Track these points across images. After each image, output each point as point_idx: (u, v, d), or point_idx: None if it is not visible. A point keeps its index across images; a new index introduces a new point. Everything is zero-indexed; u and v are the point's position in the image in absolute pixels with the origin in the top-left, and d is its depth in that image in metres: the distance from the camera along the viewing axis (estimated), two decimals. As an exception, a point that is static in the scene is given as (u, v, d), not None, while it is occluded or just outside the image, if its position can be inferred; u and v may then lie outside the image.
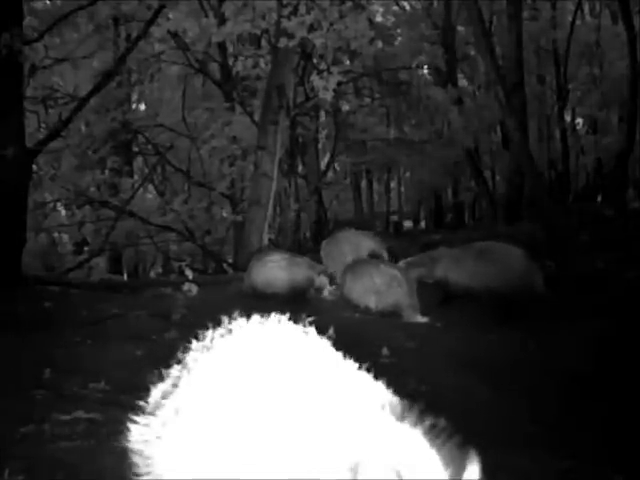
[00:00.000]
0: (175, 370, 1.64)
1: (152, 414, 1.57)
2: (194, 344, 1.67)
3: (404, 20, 22.60)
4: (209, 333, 1.67)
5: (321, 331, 1.72)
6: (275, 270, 7.31)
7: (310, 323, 1.75)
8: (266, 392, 1.41)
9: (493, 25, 19.85)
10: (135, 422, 1.58)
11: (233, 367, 1.52)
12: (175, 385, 1.60)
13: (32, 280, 8.42)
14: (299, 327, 1.69)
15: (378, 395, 1.45)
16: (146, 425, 1.56)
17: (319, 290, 7.42)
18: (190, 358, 1.64)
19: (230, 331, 1.67)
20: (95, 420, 3.68)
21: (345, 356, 1.59)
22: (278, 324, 1.68)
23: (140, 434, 1.56)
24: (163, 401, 1.58)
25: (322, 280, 7.42)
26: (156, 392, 1.63)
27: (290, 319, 1.72)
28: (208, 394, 1.49)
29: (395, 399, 1.44)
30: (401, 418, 1.34)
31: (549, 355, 5.48)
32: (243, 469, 1.30)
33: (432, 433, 1.27)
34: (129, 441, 1.58)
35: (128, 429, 1.58)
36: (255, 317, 1.71)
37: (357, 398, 1.40)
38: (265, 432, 1.33)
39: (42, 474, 3.07)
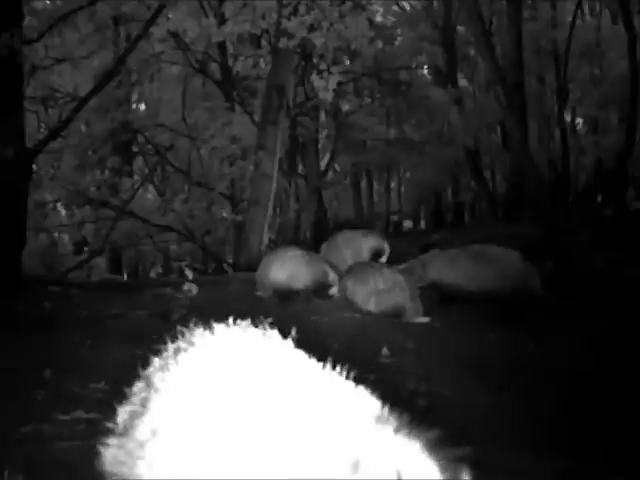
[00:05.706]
0: (138, 388, 1.59)
1: (124, 436, 1.53)
2: (154, 361, 1.61)
3: (404, 20, 22.64)
4: (168, 347, 1.62)
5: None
6: (299, 266, 6.99)
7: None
8: (244, 403, 1.40)
9: (493, 25, 19.86)
10: (107, 445, 1.53)
11: (206, 381, 1.49)
12: (144, 405, 1.55)
13: (32, 280, 8.41)
14: (260, 333, 1.64)
15: (348, 395, 1.45)
16: (120, 447, 1.51)
17: (330, 287, 7.09)
18: (154, 376, 1.58)
19: (192, 343, 1.62)
20: (95, 420, 3.68)
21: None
22: (241, 332, 1.64)
23: (114, 456, 1.51)
24: (135, 422, 1.53)
25: (334, 277, 7.13)
26: (123, 413, 1.58)
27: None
28: (186, 412, 1.45)
29: (377, 402, 1.44)
30: (390, 420, 1.34)
31: (548, 355, 5.49)
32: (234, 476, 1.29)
33: (425, 434, 1.27)
34: (104, 463, 1.54)
35: (101, 452, 1.54)
36: (218, 327, 1.66)
37: (325, 398, 1.40)
38: (253, 441, 1.32)
39: (42, 474, 3.07)
